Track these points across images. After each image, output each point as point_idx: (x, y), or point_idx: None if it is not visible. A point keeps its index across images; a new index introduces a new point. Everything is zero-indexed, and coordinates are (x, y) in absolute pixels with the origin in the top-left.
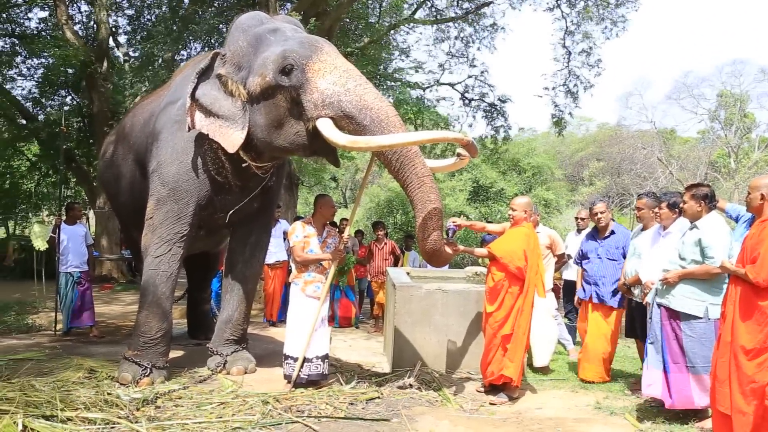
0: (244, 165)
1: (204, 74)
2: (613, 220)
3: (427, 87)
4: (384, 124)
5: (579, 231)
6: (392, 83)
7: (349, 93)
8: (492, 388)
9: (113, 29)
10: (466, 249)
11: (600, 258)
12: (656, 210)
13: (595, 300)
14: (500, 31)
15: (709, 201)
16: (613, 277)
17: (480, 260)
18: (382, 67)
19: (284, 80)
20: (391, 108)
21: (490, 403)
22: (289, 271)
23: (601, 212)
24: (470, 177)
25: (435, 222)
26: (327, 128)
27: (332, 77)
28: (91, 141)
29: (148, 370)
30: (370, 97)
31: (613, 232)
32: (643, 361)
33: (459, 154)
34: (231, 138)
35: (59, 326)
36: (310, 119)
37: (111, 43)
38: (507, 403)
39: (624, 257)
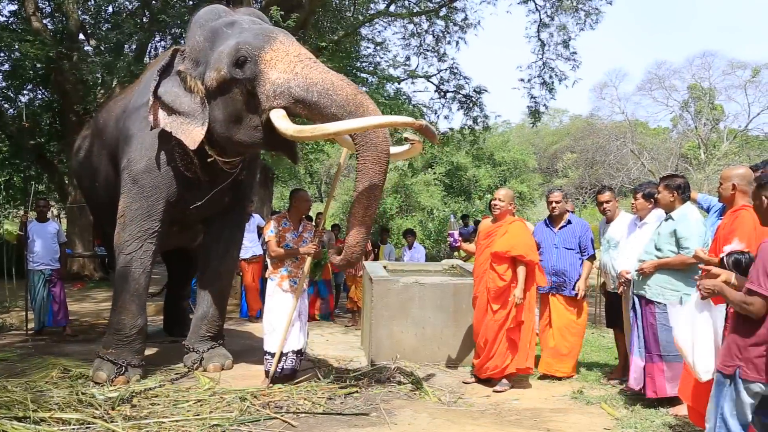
0: (210, 160)
1: (165, 71)
2: (570, 212)
3: (403, 80)
4: (330, 93)
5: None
6: (367, 75)
7: (297, 77)
8: (478, 380)
9: (82, 21)
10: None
11: (557, 247)
12: (632, 201)
13: (555, 291)
14: (475, 26)
15: (683, 192)
16: (573, 266)
17: (456, 253)
18: (358, 62)
19: (238, 73)
20: (338, 76)
21: (494, 391)
22: (266, 267)
23: (557, 201)
24: (443, 171)
25: (375, 201)
26: (278, 119)
27: (282, 65)
28: (61, 136)
29: (123, 368)
30: (315, 74)
31: (569, 222)
32: (619, 350)
33: (407, 139)
34: (192, 134)
35: (31, 325)
36: (264, 111)
37: (81, 36)
38: (506, 389)
39: (580, 247)
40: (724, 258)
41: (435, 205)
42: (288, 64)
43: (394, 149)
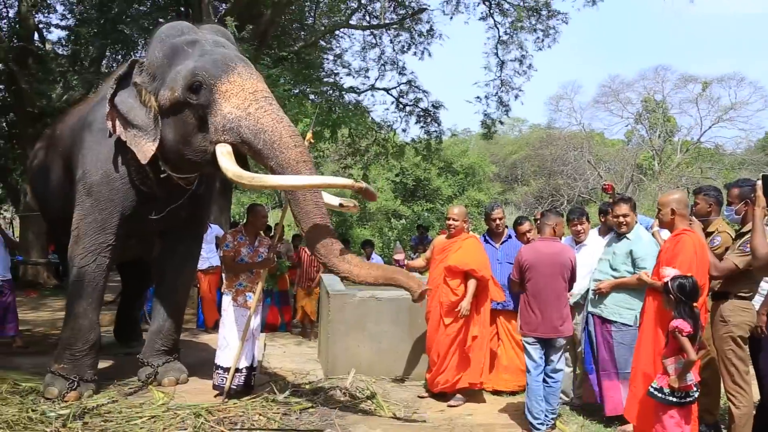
0: (163, 176)
1: (123, 80)
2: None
3: (363, 92)
4: (276, 146)
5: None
6: (326, 88)
7: (249, 117)
8: (433, 394)
9: (38, 26)
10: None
11: (500, 263)
12: (570, 226)
13: (498, 306)
14: (436, 37)
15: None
16: None
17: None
18: (318, 72)
19: (192, 98)
20: (288, 128)
21: (449, 406)
22: (222, 278)
23: (500, 218)
24: (401, 179)
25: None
26: (221, 155)
27: (237, 100)
28: (14, 142)
29: (75, 383)
30: (267, 120)
31: (509, 236)
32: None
33: (342, 205)
34: (143, 148)
35: None
36: (212, 143)
37: (37, 40)
38: (461, 404)
39: None
40: (669, 282)
41: (396, 208)
42: (243, 100)
43: (328, 197)
